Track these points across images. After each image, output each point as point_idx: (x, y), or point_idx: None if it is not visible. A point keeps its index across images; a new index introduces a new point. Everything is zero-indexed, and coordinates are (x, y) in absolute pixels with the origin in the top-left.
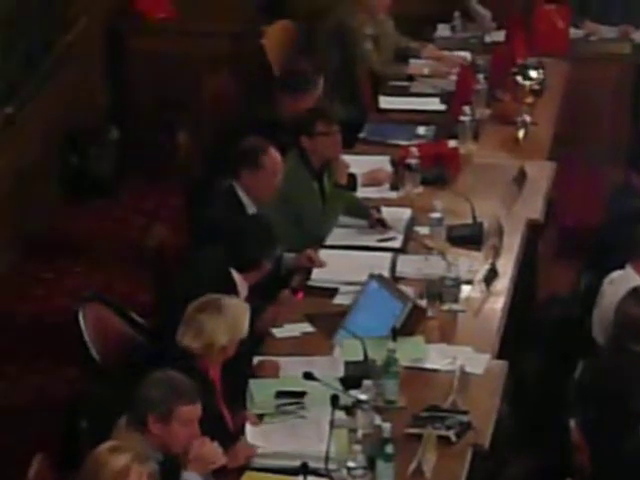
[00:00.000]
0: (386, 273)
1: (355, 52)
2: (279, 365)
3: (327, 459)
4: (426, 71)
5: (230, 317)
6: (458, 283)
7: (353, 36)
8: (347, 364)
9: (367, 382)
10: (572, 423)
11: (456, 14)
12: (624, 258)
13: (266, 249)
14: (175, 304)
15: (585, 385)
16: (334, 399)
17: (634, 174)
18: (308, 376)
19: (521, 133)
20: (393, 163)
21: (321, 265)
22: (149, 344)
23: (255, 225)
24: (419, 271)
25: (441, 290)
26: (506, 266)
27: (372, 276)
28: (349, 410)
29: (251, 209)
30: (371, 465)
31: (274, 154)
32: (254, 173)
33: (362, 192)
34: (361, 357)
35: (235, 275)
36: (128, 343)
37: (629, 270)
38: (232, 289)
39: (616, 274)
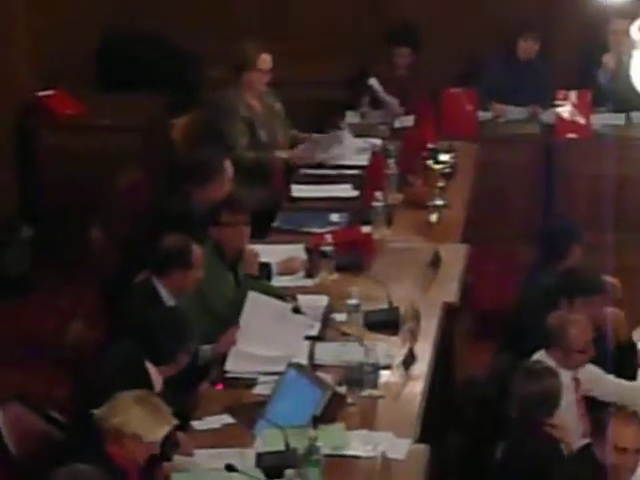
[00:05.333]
0: (305, 361)
1: (226, 141)
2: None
3: None
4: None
5: (151, 410)
6: (377, 369)
7: (224, 123)
8: (269, 454)
9: (289, 471)
10: None
11: (364, 100)
12: (540, 338)
13: (181, 342)
14: (89, 400)
15: (505, 466)
16: None
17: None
18: (230, 468)
19: (434, 217)
20: (307, 251)
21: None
22: (68, 441)
23: (170, 318)
24: (337, 358)
25: (360, 376)
26: (424, 350)
27: (291, 365)
28: None
29: (170, 302)
30: None
31: (199, 251)
32: (185, 272)
33: (277, 281)
34: (282, 447)
35: (150, 368)
36: (48, 442)
37: (543, 354)
38: (146, 382)
39: (536, 356)
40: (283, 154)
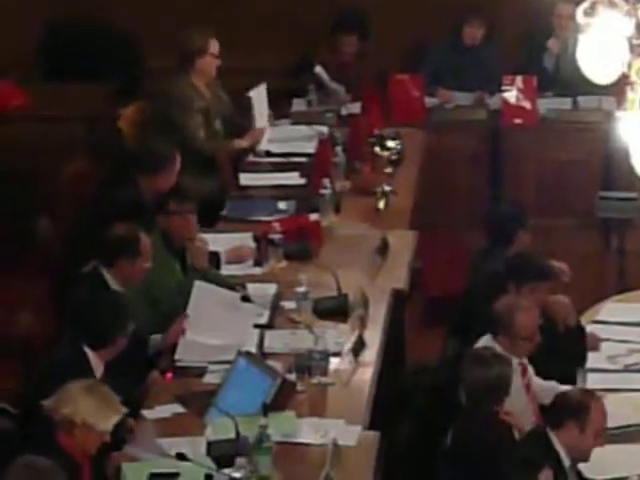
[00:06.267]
0: (254, 349)
1: (184, 132)
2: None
3: None
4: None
5: (100, 400)
6: (326, 356)
7: (180, 115)
8: (219, 442)
9: (240, 459)
10: None
11: (311, 88)
12: (488, 324)
13: (117, 323)
14: (37, 390)
15: (455, 452)
16: (208, 478)
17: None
18: (181, 457)
19: (381, 203)
20: (256, 239)
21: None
22: (19, 432)
23: (105, 300)
24: (287, 346)
25: (310, 364)
26: (373, 337)
27: (240, 353)
28: None
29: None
30: None
31: (147, 240)
32: (133, 262)
33: (226, 269)
34: (233, 435)
35: (89, 354)
36: None
37: (490, 340)
38: (86, 368)
39: (481, 342)
40: (243, 143)
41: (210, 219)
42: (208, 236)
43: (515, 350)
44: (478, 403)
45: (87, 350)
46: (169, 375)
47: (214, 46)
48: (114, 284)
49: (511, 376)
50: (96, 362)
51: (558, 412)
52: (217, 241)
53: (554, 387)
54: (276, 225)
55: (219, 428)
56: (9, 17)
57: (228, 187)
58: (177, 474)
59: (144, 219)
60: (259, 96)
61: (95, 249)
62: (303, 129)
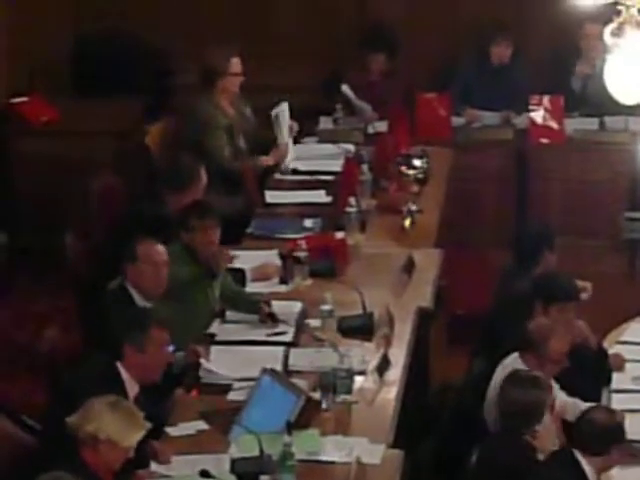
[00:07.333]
0: (279, 367)
1: (209, 150)
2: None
3: None
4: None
5: (124, 416)
6: (351, 374)
7: (205, 133)
8: (243, 460)
9: (264, 477)
10: None
11: (338, 106)
12: (514, 343)
13: (124, 329)
14: (64, 407)
15: (480, 471)
16: None
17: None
18: (205, 474)
19: (407, 222)
20: (281, 257)
21: (207, 358)
22: (43, 448)
23: (125, 314)
24: (312, 364)
25: (334, 382)
26: (398, 355)
27: (265, 371)
28: None
29: (142, 305)
30: None
31: (149, 245)
32: (135, 265)
33: (251, 287)
34: (257, 452)
35: (123, 374)
36: (23, 449)
37: (516, 357)
38: (119, 388)
39: (508, 359)
40: (269, 160)
41: (235, 236)
42: (233, 253)
43: (542, 370)
44: (509, 424)
45: (122, 372)
46: (194, 392)
47: (235, 66)
48: (139, 299)
49: (546, 403)
50: (131, 384)
51: (585, 437)
52: (243, 258)
53: (576, 403)
54: (302, 243)
55: (243, 445)
56: (38, 32)
57: (254, 204)
58: None
59: (169, 235)
60: (282, 114)
61: (120, 264)
62: (329, 147)
